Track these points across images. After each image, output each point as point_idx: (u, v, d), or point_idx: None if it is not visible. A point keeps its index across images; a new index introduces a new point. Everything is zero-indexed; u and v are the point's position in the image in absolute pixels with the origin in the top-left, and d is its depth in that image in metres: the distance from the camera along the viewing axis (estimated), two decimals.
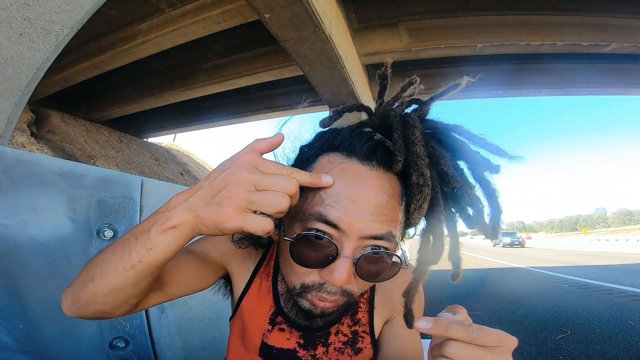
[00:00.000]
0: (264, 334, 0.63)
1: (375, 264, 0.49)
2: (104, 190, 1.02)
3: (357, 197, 0.46)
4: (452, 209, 0.49)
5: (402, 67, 7.39)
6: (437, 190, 0.47)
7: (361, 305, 0.67)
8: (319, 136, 0.57)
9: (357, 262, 0.47)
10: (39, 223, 0.89)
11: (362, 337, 0.65)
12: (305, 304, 0.52)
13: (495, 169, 0.48)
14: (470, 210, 0.47)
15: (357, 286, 0.52)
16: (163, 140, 17.27)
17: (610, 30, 6.51)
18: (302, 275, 0.51)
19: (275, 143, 0.46)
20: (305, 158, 0.55)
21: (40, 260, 0.89)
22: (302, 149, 0.58)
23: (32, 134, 8.90)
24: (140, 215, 1.12)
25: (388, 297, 0.68)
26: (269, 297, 0.65)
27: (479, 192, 0.48)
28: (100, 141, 11.21)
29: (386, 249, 0.48)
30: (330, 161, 0.51)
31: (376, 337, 0.66)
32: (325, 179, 0.46)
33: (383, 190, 0.48)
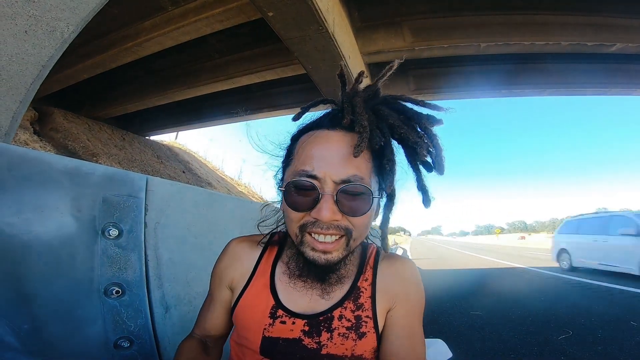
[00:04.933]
0: (265, 328, 0.66)
1: (352, 200, 0.60)
2: (109, 188, 1.01)
3: (326, 152, 0.61)
4: (410, 153, 0.63)
5: (405, 66, 7.37)
6: (387, 137, 0.61)
7: (363, 290, 0.69)
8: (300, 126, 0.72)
9: (336, 198, 0.59)
10: (44, 221, 0.88)
11: (366, 322, 0.67)
12: (308, 251, 0.61)
13: (439, 122, 0.63)
14: (419, 152, 0.60)
15: (348, 222, 0.61)
16: (165, 138, 17.31)
17: (615, 31, 6.46)
18: (299, 220, 0.62)
19: None
20: (292, 141, 0.70)
21: (45, 259, 0.88)
22: (291, 137, 0.72)
23: (35, 132, 8.93)
24: (145, 213, 1.11)
25: (389, 286, 0.70)
26: (267, 293, 0.69)
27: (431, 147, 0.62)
28: (103, 139, 11.23)
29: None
30: (308, 135, 0.66)
31: (379, 323, 0.68)
32: None
33: (346, 143, 0.61)
